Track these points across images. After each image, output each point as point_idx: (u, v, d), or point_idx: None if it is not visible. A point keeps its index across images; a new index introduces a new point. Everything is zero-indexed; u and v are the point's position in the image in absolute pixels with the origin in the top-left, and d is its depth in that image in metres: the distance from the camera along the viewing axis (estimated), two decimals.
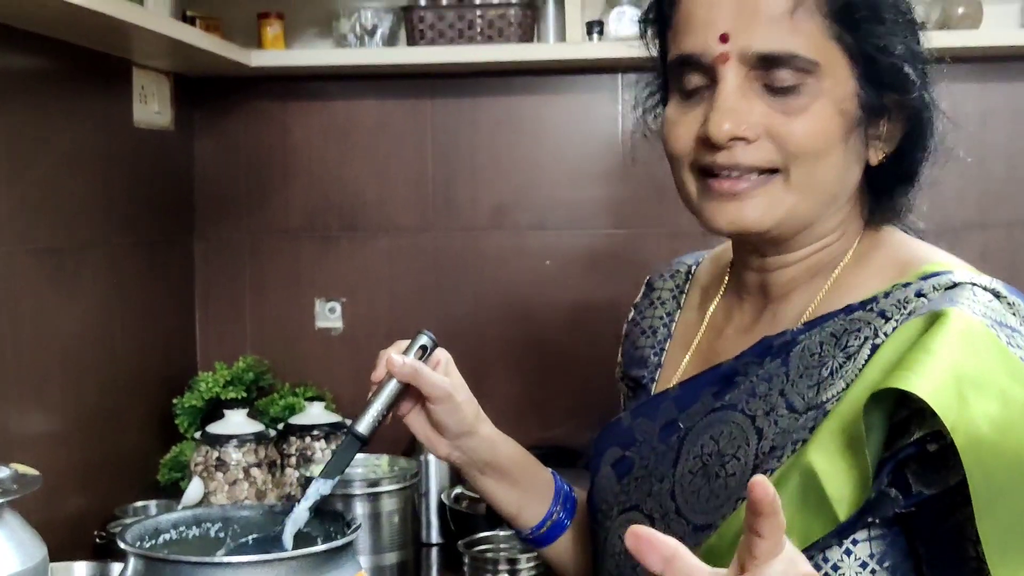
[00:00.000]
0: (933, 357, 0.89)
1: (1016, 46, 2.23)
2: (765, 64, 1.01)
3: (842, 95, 1.02)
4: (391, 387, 1.17)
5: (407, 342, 1.21)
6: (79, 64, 2.01)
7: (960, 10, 2.24)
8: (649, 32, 1.17)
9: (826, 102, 1.01)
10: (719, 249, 1.31)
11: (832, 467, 0.91)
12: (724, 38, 1.01)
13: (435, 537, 2.20)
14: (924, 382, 0.87)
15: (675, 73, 1.07)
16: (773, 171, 1.03)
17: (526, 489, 1.28)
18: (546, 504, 1.29)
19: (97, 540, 1.97)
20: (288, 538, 1.15)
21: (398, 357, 1.17)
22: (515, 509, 1.28)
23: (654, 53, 1.17)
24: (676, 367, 1.22)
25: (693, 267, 1.32)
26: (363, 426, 1.16)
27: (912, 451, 0.90)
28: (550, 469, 1.33)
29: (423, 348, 1.20)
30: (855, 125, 1.04)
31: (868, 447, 0.90)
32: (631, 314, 1.35)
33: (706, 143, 1.03)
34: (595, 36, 2.31)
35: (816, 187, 1.04)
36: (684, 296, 1.29)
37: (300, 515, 1.16)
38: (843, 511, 0.91)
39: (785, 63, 1.00)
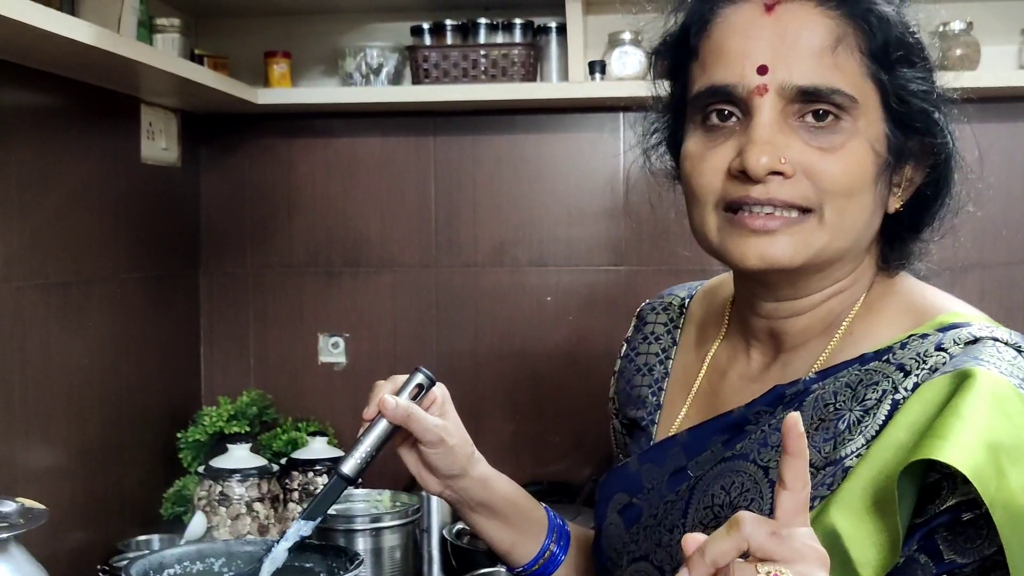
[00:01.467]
0: (965, 423, 0.86)
1: (1014, 87, 2.25)
2: (804, 98, 0.98)
3: (875, 136, 1.01)
4: (382, 426, 1.14)
5: (404, 378, 1.18)
6: (88, 101, 2.03)
7: (958, 51, 2.26)
8: (662, 64, 1.13)
9: (861, 141, 1.00)
10: (713, 283, 1.29)
11: (856, 530, 0.89)
12: (763, 70, 0.99)
13: (436, 572, 2.21)
14: (958, 452, 0.84)
15: (699, 105, 1.04)
16: (805, 210, 1.00)
17: (518, 527, 1.26)
18: (539, 541, 1.27)
19: (100, 574, 1.97)
20: None
21: (391, 399, 1.14)
22: (507, 547, 1.27)
23: (663, 87, 1.13)
24: (676, 409, 1.19)
25: (686, 300, 1.29)
26: (349, 467, 1.13)
27: (945, 519, 0.88)
28: (544, 505, 1.31)
29: (419, 387, 1.17)
30: (884, 168, 1.02)
31: (900, 513, 0.86)
32: (623, 349, 1.32)
33: (739, 177, 1.00)
34: (597, 76, 2.33)
35: (846, 227, 1.01)
36: (679, 332, 1.27)
37: (279, 555, 1.15)
38: (868, 574, 0.88)
39: (825, 98, 0.98)
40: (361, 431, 1.16)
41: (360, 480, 1.17)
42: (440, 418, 1.19)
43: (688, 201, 1.07)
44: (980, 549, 0.87)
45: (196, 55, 2.31)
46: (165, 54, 2.05)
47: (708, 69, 1.03)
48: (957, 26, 2.27)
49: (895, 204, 1.05)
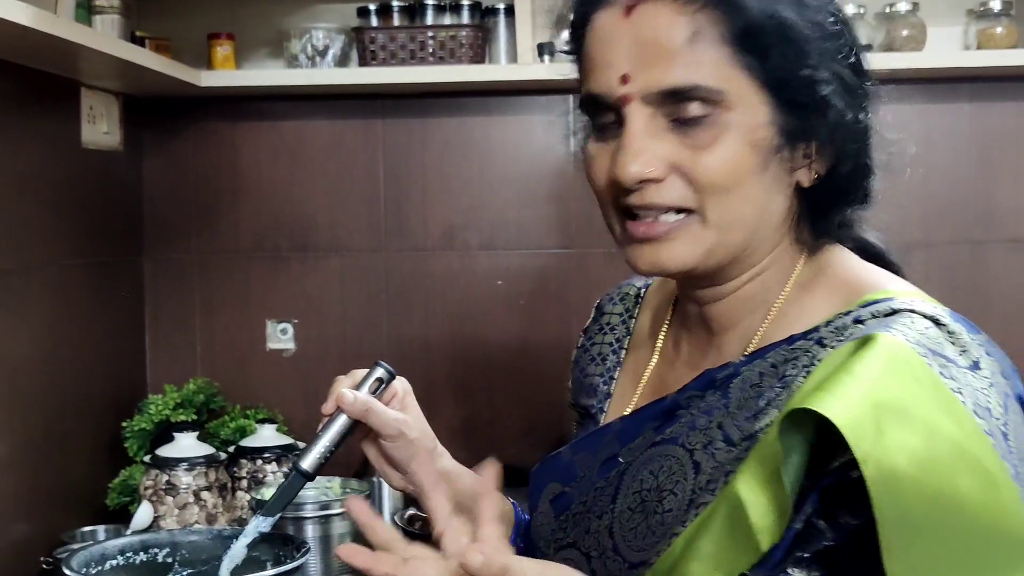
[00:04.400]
0: (853, 379, 0.86)
1: (959, 67, 2.27)
2: (669, 100, 0.97)
3: (753, 125, 0.98)
4: (341, 421, 1.14)
5: (364, 372, 1.17)
6: (26, 85, 1.99)
7: (904, 32, 2.28)
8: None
9: (735, 135, 0.98)
10: None
11: (756, 496, 0.88)
12: (625, 79, 0.98)
13: None
14: (838, 404, 0.84)
15: (587, 111, 1.05)
16: (689, 211, 0.99)
17: None
18: (506, 537, 1.23)
19: (44, 566, 1.94)
20: (225, 574, 1.14)
21: (349, 393, 1.13)
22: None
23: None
24: (626, 398, 1.19)
25: (643, 290, 1.29)
26: (308, 463, 1.13)
27: (832, 480, 0.87)
28: (511, 500, 1.30)
29: (379, 380, 1.16)
30: (773, 153, 1.00)
31: (786, 472, 0.86)
32: (580, 340, 1.32)
33: (615, 185, 1.01)
34: (546, 57, 2.32)
35: (734, 222, 1.00)
36: (634, 321, 1.26)
37: (238, 552, 1.14)
38: (765, 540, 0.87)
39: (689, 95, 0.97)
40: (320, 426, 1.15)
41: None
42: (401, 412, 1.18)
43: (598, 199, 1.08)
44: (869, 510, 0.84)
45: (137, 37, 2.27)
46: (105, 36, 2.01)
47: (586, 77, 1.04)
48: (903, 7, 2.29)
49: (810, 177, 1.03)
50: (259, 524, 1.14)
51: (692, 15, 0.97)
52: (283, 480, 1.16)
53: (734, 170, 0.98)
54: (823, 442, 0.87)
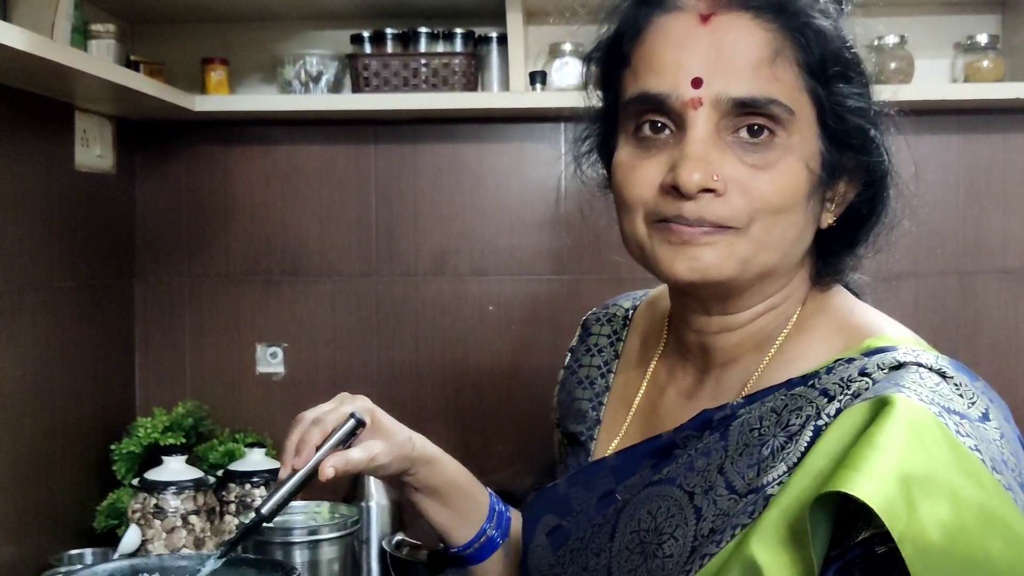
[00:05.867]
0: (879, 454, 0.84)
1: (946, 100, 2.29)
2: (739, 111, 0.96)
3: (809, 153, 0.99)
4: (306, 470, 1.12)
5: (330, 413, 1.15)
6: (21, 107, 2.00)
7: (893, 65, 2.30)
8: (595, 71, 1.10)
9: (795, 158, 0.98)
10: (655, 293, 1.27)
11: (775, 560, 0.86)
12: (697, 83, 0.96)
13: None
14: (870, 484, 0.82)
15: (631, 113, 1.02)
16: (734, 228, 0.98)
17: (459, 510, 1.26)
18: (478, 524, 1.26)
19: None
20: None
21: (331, 471, 1.10)
22: (446, 528, 1.26)
23: (595, 94, 1.11)
24: (615, 424, 1.18)
25: (630, 312, 1.28)
26: (268, 508, 1.11)
27: (859, 552, 0.86)
28: (488, 490, 1.30)
29: (352, 433, 1.15)
30: (817, 185, 1.00)
31: (814, 544, 0.85)
32: (567, 359, 1.31)
33: (671, 192, 0.98)
34: (538, 86, 2.34)
35: (773, 243, 1.00)
36: (622, 344, 1.25)
37: None
38: None
39: (762, 108, 0.96)
40: (286, 475, 1.12)
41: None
42: (374, 437, 1.16)
43: (619, 210, 1.05)
44: None
45: (132, 61, 2.28)
46: (100, 60, 2.02)
47: (640, 77, 1.01)
48: (891, 40, 2.31)
49: (828, 220, 1.04)
50: (211, 564, 1.13)
51: (774, 33, 0.98)
52: (242, 521, 1.14)
53: (790, 194, 0.98)
54: (844, 512, 0.86)
